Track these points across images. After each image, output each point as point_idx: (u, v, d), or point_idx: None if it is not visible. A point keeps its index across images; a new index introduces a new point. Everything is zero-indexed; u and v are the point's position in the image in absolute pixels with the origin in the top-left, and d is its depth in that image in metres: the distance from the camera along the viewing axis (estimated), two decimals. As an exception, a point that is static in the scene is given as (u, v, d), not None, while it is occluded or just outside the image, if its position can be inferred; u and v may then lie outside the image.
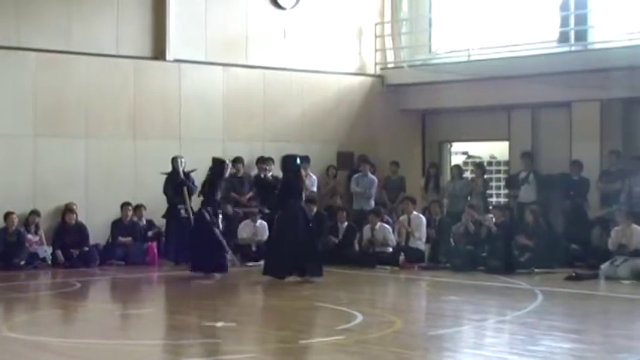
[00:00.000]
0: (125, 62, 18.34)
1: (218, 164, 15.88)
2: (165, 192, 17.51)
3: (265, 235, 17.92)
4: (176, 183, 17.41)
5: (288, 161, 15.75)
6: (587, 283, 14.73)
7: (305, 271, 14.93)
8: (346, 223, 18.02)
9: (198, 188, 16.90)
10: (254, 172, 19.37)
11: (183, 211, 17.37)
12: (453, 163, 20.91)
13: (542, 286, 14.12)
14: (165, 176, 17.51)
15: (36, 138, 17.41)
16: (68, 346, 9.87)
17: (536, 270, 15.89)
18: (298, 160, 15.59)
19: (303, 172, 15.85)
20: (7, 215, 16.71)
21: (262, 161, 19.21)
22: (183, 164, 17.52)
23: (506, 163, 20.67)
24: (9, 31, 17.13)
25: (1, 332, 10.49)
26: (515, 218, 17.99)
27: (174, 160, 17.59)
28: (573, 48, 18.74)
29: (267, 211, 18.00)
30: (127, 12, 18.41)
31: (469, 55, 20.15)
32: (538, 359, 9.08)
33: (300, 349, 9.84)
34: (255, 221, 17.98)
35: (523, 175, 18.53)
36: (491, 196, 20.17)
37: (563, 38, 18.94)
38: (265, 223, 18.03)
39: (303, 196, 15.40)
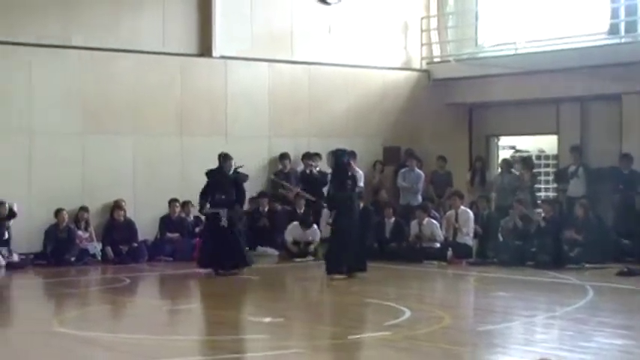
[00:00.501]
0: (171, 59, 18.42)
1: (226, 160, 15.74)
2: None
3: (317, 238, 17.83)
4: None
5: (335, 156, 15.40)
6: (639, 279, 14.53)
7: (351, 267, 14.77)
8: (393, 219, 17.95)
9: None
10: (300, 167, 19.37)
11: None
12: (500, 158, 20.74)
13: (592, 282, 13.96)
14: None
15: (84, 136, 17.55)
16: (117, 341, 9.93)
17: (587, 265, 15.72)
18: (345, 154, 15.30)
19: (352, 165, 15.60)
20: (58, 212, 16.86)
21: (308, 157, 19.21)
22: (234, 164, 17.46)
23: (555, 157, 20.45)
24: (56, 30, 17.28)
25: (52, 327, 10.58)
26: (564, 212, 17.80)
27: (221, 156, 17.55)
28: (623, 40, 18.50)
29: (312, 199, 18.08)
30: (173, 9, 18.49)
31: (516, 49, 19.99)
32: (589, 356, 8.97)
33: (348, 344, 9.81)
34: (305, 229, 17.86)
35: (572, 168, 18.32)
36: (539, 190, 19.97)
37: (613, 30, 18.71)
38: (317, 228, 17.90)
39: (355, 189, 15.26)
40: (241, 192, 15.77)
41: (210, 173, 15.64)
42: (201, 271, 15.48)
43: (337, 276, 14.71)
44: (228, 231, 15.29)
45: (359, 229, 15.02)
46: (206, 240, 15.77)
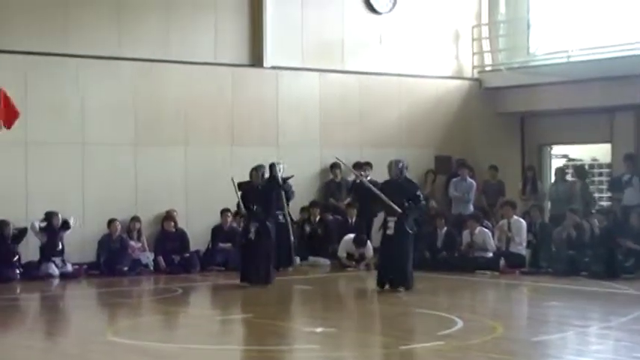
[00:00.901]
0: (223, 70, 18.53)
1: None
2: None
3: (371, 253, 17.75)
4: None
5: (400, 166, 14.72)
6: (696, 288, 14.30)
7: (394, 282, 14.35)
8: (445, 229, 17.84)
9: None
10: (351, 177, 19.35)
11: (281, 217, 17.42)
12: (553, 167, 20.56)
13: (648, 292, 13.76)
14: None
15: (136, 147, 17.70)
16: (170, 351, 9.98)
17: (643, 275, 15.51)
18: (401, 165, 14.69)
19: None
20: (111, 222, 17.02)
21: (359, 167, 19.17)
22: (282, 170, 17.54)
23: (609, 165, 20.23)
24: (110, 42, 17.46)
25: (106, 337, 10.66)
26: (619, 222, 17.57)
27: (272, 166, 17.65)
28: (678, 46, 18.27)
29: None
30: (224, 20, 18.61)
31: (569, 57, 19.81)
32: (646, 367, 8.84)
33: (400, 354, 9.77)
34: (360, 247, 17.79)
35: (626, 177, 18.07)
36: (594, 199, 19.75)
37: (668, 37, 18.47)
38: (370, 246, 17.82)
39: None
40: (274, 200, 15.58)
41: (240, 185, 15.63)
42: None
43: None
44: (256, 245, 15.03)
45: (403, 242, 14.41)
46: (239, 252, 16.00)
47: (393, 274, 14.32)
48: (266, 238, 15.10)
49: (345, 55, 19.97)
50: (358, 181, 17.87)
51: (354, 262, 17.71)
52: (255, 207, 15.14)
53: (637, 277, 15.40)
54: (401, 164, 14.64)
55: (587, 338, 10.73)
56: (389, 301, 13.91)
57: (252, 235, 15.00)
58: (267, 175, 15.72)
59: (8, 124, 8.93)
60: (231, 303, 14.22)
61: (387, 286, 14.35)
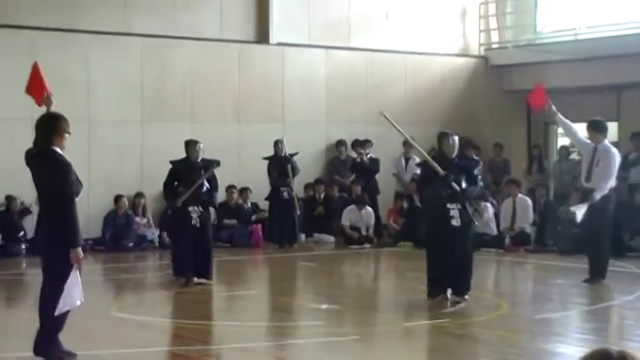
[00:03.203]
0: (229, 46, 18.50)
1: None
2: (269, 175, 17.61)
3: (372, 222, 17.88)
4: (279, 165, 17.50)
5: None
6: (701, 267, 14.30)
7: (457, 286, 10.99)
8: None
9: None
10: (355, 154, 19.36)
11: (285, 193, 17.47)
12: (559, 145, 20.52)
13: (653, 270, 13.77)
14: (267, 161, 17.61)
15: (143, 123, 17.71)
16: (176, 327, 10.02)
17: (647, 253, 15.51)
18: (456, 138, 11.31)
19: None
20: (118, 198, 17.07)
21: (359, 144, 19.17)
22: (284, 148, 17.57)
23: (615, 144, 20.12)
24: (117, 18, 17.43)
25: (111, 312, 10.70)
26: (624, 200, 17.54)
27: (275, 143, 17.69)
28: (685, 24, 18.18)
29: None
30: (231, -4, 18.57)
31: (576, 35, 19.73)
32: (650, 344, 8.85)
33: (404, 331, 9.80)
34: (360, 209, 17.90)
35: (633, 156, 18.00)
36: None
37: (675, 14, 18.39)
38: (371, 210, 17.97)
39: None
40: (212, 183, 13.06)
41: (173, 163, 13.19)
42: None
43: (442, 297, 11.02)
44: (199, 232, 12.63)
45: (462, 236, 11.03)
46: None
47: (454, 280, 10.91)
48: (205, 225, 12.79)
49: (352, 32, 19.92)
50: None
51: (356, 233, 17.75)
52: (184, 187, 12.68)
53: (641, 256, 15.42)
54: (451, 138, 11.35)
55: (591, 316, 10.74)
56: (394, 278, 13.94)
57: (195, 222, 12.60)
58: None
59: (38, 101, 8.97)
60: (236, 279, 14.26)
61: (448, 293, 10.96)
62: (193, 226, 12.51)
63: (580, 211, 12.22)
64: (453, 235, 10.75)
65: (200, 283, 12.48)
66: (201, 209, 12.64)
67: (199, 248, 12.50)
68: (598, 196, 12.25)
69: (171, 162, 13.14)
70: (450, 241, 10.75)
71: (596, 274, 12.46)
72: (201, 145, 12.96)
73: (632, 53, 18.24)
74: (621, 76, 18.73)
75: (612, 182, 12.52)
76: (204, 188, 12.81)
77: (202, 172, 12.77)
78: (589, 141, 12.79)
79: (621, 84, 19.10)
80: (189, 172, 12.76)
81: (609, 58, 18.65)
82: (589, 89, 19.54)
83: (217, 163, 13.05)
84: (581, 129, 13.41)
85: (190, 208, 12.55)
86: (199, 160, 12.83)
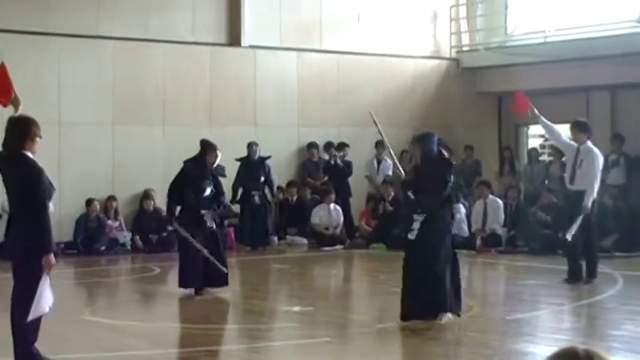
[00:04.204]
0: (201, 49, 18.49)
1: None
2: (237, 176, 17.60)
3: (340, 219, 18.00)
4: (251, 168, 17.52)
5: (432, 141, 10.13)
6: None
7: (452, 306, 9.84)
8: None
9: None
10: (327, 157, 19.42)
11: (257, 198, 17.49)
12: (530, 147, 20.65)
13: (623, 271, 13.88)
14: (239, 162, 17.62)
15: (114, 126, 17.66)
16: (148, 330, 10.01)
17: (617, 254, 15.63)
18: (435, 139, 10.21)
19: (446, 155, 10.25)
20: (89, 202, 17.01)
21: (331, 147, 19.23)
22: (257, 151, 17.60)
23: (585, 145, 20.28)
24: (89, 20, 17.38)
25: (83, 316, 10.68)
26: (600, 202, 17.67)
27: (249, 145, 17.70)
28: (654, 27, 18.35)
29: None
30: (203, -1, 18.56)
31: (546, 37, 19.87)
32: (618, 344, 8.94)
33: (376, 333, 9.84)
34: (328, 204, 18.01)
35: (613, 157, 18.02)
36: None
37: (644, 18, 18.55)
38: (339, 208, 18.11)
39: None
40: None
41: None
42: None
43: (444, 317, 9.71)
44: (214, 237, 12.20)
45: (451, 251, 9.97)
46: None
47: (419, 298, 9.65)
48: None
49: (324, 34, 19.96)
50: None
51: (326, 229, 17.82)
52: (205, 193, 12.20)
53: (613, 256, 15.54)
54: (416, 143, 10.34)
55: (562, 316, 10.84)
56: (366, 280, 13.98)
57: (210, 224, 12.13)
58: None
59: (4, 102, 8.87)
60: (209, 282, 14.22)
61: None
62: (209, 229, 11.95)
63: (573, 231, 12.33)
64: (411, 250, 9.76)
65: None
66: (214, 212, 12.15)
67: (215, 255, 11.87)
68: (589, 203, 12.36)
69: (185, 162, 12.32)
70: (407, 256, 9.80)
71: (588, 274, 12.58)
72: (219, 153, 12.24)
73: (600, 56, 18.39)
74: (590, 78, 18.88)
75: (598, 184, 12.64)
76: (210, 192, 12.18)
77: (211, 179, 12.18)
78: (572, 142, 12.90)
79: (590, 86, 19.26)
80: (200, 178, 12.09)
81: (578, 60, 18.79)
82: (558, 91, 19.68)
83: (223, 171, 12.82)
84: (562, 131, 13.54)
85: (203, 212, 12.00)
86: (214, 166, 12.28)
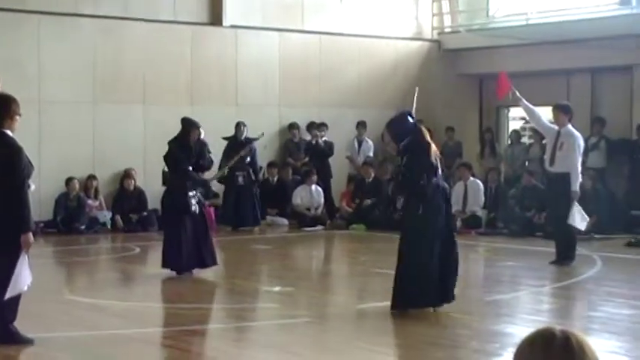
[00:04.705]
0: (182, 28, 18.40)
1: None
2: (224, 155, 17.54)
3: (322, 200, 18.04)
4: (236, 148, 17.45)
5: (398, 124, 9.87)
6: (647, 250, 14.55)
7: (446, 296, 9.48)
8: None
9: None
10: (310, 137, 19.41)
11: (240, 179, 17.46)
12: (510, 129, 20.72)
13: (601, 252, 13.98)
14: (226, 142, 17.53)
15: (95, 105, 17.58)
16: (128, 309, 10.01)
17: (596, 236, 15.73)
18: (410, 119, 9.78)
19: (425, 133, 9.75)
20: (69, 180, 16.95)
21: (313, 127, 19.23)
22: (246, 132, 17.53)
23: (564, 127, 20.36)
24: (68, -1, 17.27)
25: (63, 295, 10.68)
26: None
27: (237, 125, 17.61)
28: (635, 11, 18.40)
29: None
30: (184, -22, 18.46)
31: (527, 19, 19.91)
32: (596, 325, 9.02)
33: (356, 314, 9.88)
34: (310, 185, 18.03)
35: (593, 140, 18.08)
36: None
37: (625, 1, 18.61)
38: (321, 189, 18.13)
39: (440, 169, 9.75)
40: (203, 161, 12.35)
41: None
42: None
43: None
44: (199, 220, 12.04)
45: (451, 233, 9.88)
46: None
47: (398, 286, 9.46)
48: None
49: (305, 14, 19.90)
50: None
51: (308, 210, 17.86)
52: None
53: (590, 239, 15.62)
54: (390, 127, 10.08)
55: (540, 298, 10.92)
56: (346, 261, 14.02)
57: (195, 208, 11.93)
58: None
59: None
60: (190, 262, 14.22)
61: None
62: (193, 213, 11.77)
63: (578, 217, 12.37)
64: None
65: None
66: (199, 194, 12.06)
67: (202, 236, 11.83)
68: (576, 187, 12.44)
69: (170, 143, 12.22)
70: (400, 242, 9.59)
71: (565, 255, 12.62)
72: (202, 130, 12.26)
73: (581, 39, 18.45)
74: (571, 61, 18.94)
75: (580, 166, 12.71)
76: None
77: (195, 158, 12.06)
78: (552, 125, 12.95)
79: (570, 69, 19.32)
80: (186, 158, 11.94)
81: (559, 43, 18.85)
82: (539, 73, 19.73)
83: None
84: (543, 113, 13.60)
85: (191, 194, 11.83)
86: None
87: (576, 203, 12.42)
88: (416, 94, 10.71)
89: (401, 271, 9.45)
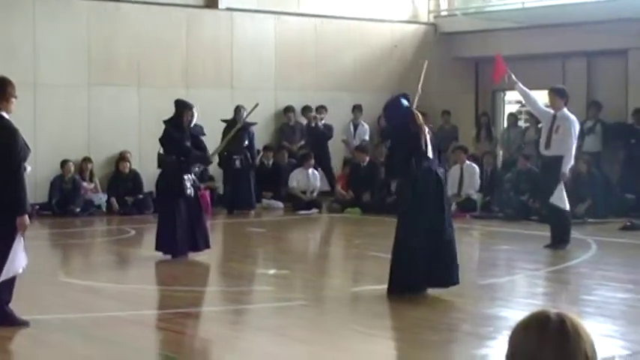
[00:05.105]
0: (177, 11, 18.35)
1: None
2: (223, 137, 17.50)
3: (318, 184, 18.00)
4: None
5: (392, 108, 10.17)
6: (642, 233, 14.57)
7: (442, 279, 9.45)
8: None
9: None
10: (306, 121, 19.39)
11: (237, 162, 17.43)
12: (506, 112, 20.71)
13: (596, 236, 13.99)
14: (225, 124, 17.48)
15: (90, 87, 17.54)
16: (123, 292, 10.02)
17: (590, 220, 15.75)
18: (405, 102, 10.02)
19: (417, 116, 9.77)
20: (64, 163, 16.93)
21: (309, 110, 19.21)
22: (243, 115, 17.46)
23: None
24: (62, -20, 17.22)
25: (58, 277, 10.69)
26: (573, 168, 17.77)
27: (236, 109, 17.53)
28: (631, -6, 18.38)
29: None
30: (180, -40, 18.40)
31: (523, 3, 19.89)
32: (591, 309, 9.03)
33: (351, 296, 9.90)
34: (307, 168, 18.01)
35: (589, 124, 18.08)
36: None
37: (621, -16, 18.58)
38: (317, 173, 18.12)
39: (430, 154, 9.58)
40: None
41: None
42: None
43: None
44: (194, 203, 12.03)
45: (446, 218, 9.63)
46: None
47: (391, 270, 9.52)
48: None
49: (301, -3, 19.86)
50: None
51: (304, 193, 17.87)
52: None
53: (585, 223, 15.65)
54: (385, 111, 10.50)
55: (535, 281, 10.93)
56: (341, 244, 14.03)
57: (190, 192, 11.92)
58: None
59: None
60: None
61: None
62: (187, 197, 11.72)
63: (559, 197, 12.38)
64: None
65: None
66: (194, 178, 12.05)
67: (196, 219, 11.79)
68: (567, 169, 12.42)
69: (165, 122, 12.25)
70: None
71: (560, 238, 12.63)
72: (195, 112, 12.28)
73: (577, 22, 18.43)
74: (566, 44, 18.93)
75: (574, 150, 12.70)
76: None
77: (190, 139, 12.04)
78: (548, 109, 12.94)
79: (566, 52, 19.31)
80: (181, 140, 11.93)
81: (555, 26, 18.83)
82: (535, 57, 19.71)
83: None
84: (539, 97, 13.59)
85: (185, 177, 11.79)
86: (192, 125, 12.20)
87: (562, 185, 12.41)
88: (424, 70, 10.86)
89: (394, 255, 9.54)
